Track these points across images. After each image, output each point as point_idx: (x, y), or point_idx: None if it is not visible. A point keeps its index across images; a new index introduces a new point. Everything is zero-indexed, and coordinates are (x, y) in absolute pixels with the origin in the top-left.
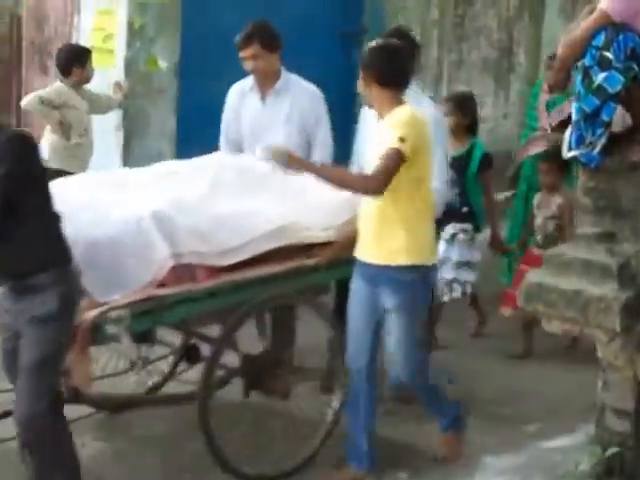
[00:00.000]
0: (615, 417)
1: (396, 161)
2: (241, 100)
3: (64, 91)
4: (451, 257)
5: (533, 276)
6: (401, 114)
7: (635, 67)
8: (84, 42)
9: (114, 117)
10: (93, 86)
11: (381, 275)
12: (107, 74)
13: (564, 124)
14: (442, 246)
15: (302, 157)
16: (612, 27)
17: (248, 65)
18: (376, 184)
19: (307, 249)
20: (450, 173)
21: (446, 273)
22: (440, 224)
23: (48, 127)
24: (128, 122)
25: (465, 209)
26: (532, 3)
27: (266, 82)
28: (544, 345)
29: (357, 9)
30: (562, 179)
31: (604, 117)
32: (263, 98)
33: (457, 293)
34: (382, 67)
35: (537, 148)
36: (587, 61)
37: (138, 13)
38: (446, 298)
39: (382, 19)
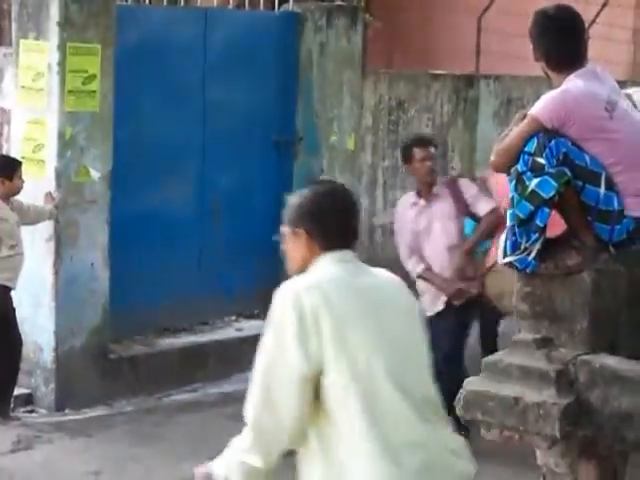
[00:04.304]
0: None
1: None
2: None
3: None
4: None
5: (471, 383)
6: None
7: (567, 172)
8: (14, 153)
9: (45, 228)
10: (23, 196)
11: None
12: (38, 184)
13: None
14: None
15: None
16: (544, 133)
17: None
18: None
19: None
20: None
21: None
22: None
23: None
24: (59, 233)
25: None
26: (466, 109)
27: None
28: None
29: (291, 117)
30: None
31: (538, 222)
32: None
33: None
34: None
35: None
36: (520, 167)
37: (69, 123)
38: None
39: (316, 126)
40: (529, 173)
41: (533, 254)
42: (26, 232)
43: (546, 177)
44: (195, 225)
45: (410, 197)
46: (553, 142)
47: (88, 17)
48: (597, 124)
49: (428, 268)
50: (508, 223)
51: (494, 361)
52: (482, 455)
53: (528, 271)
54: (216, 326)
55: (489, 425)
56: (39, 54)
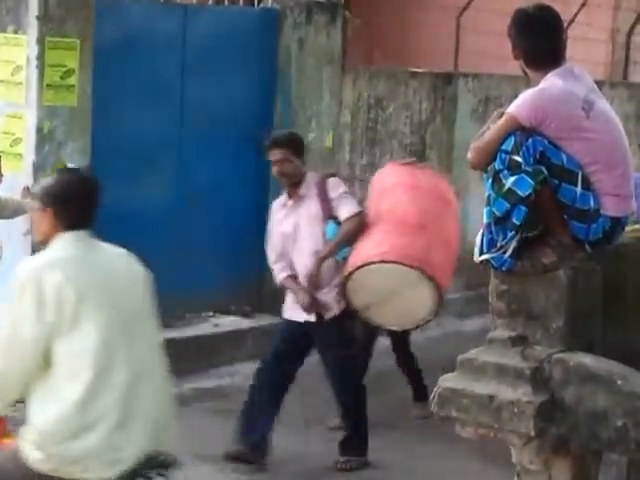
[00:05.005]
0: None
1: None
2: None
3: None
4: None
5: (446, 381)
6: None
7: (544, 171)
8: None
9: (22, 222)
10: (1, 190)
11: None
12: (15, 179)
13: None
14: None
15: None
16: (521, 131)
17: None
18: None
19: None
20: None
21: None
22: None
23: None
24: None
25: None
26: (444, 107)
27: None
28: (455, 445)
29: (269, 113)
30: None
31: (515, 220)
32: None
33: None
34: None
35: None
36: (497, 165)
37: (47, 117)
38: None
39: (294, 123)
40: (506, 171)
41: (509, 252)
42: (2, 226)
43: (523, 175)
44: (172, 220)
45: (282, 198)
46: (530, 140)
47: (67, 11)
48: (574, 123)
49: (292, 276)
50: (484, 221)
51: (469, 358)
52: (457, 452)
53: (504, 269)
54: (193, 321)
55: (464, 422)
56: (18, 48)
